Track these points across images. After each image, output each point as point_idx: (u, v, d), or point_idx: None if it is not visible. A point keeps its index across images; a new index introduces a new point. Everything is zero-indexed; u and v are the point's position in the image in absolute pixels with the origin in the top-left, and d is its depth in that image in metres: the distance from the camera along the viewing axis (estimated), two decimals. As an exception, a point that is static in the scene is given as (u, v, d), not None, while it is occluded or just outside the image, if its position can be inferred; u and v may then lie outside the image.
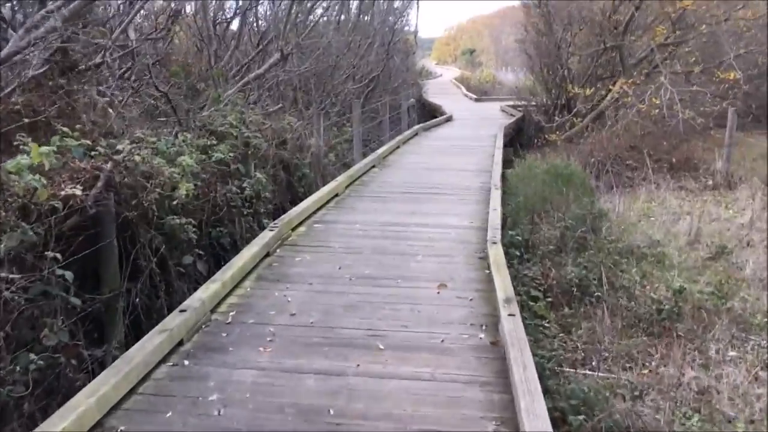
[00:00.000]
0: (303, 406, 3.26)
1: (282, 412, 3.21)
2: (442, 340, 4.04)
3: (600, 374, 5.09)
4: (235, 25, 13.56)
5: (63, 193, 3.93)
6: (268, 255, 5.74)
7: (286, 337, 4.11)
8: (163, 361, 3.73)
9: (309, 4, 14.73)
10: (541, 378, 3.46)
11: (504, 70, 45.15)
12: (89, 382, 3.37)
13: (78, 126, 4.78)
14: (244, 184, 6.73)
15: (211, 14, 13.06)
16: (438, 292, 4.91)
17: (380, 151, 11.63)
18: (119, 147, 4.70)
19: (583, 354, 5.43)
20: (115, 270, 4.68)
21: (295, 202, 8.11)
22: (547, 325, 5.87)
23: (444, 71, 51.74)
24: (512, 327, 3.82)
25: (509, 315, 4.03)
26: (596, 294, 6.28)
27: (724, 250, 7.67)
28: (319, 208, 7.54)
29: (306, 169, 8.64)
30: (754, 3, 14.56)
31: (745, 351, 5.57)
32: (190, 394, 3.38)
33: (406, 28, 24.84)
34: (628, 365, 5.35)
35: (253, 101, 10.81)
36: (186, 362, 3.76)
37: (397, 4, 22.24)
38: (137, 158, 4.76)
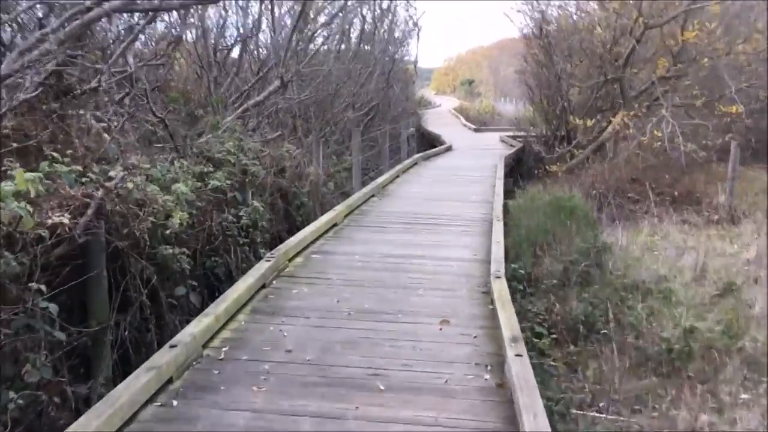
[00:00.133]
0: (298, 453, 3.06)
1: (275, 460, 3.00)
2: (446, 381, 3.84)
3: (609, 416, 4.88)
4: (235, 53, 13.54)
5: (50, 221, 3.75)
6: (264, 286, 5.54)
7: (282, 375, 3.90)
8: (151, 400, 3.51)
9: (309, 33, 14.69)
10: (550, 422, 3.25)
11: (503, 101, 45.30)
12: (73, 421, 3.16)
13: (69, 151, 4.60)
14: (241, 213, 6.55)
15: (212, 41, 13.01)
16: (440, 329, 4.71)
17: (380, 180, 11.49)
18: (111, 174, 4.53)
19: (591, 395, 5.21)
20: (104, 302, 4.49)
21: (292, 232, 7.94)
22: (552, 363, 5.66)
23: (443, 101, 51.94)
24: (520, 369, 3.62)
25: (516, 355, 3.82)
26: (603, 331, 6.07)
27: (732, 287, 7.48)
28: (317, 238, 7.35)
29: (304, 197, 8.48)
30: (756, 37, 14.55)
31: (758, 394, 5.35)
32: (177, 439, 3.17)
33: (406, 58, 24.89)
34: (637, 407, 5.13)
35: (252, 128, 10.69)
36: (175, 402, 3.54)
37: (397, 33, 22.31)
38: (130, 185, 4.58)
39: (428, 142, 22.71)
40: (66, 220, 3.79)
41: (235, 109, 10.43)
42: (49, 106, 5.55)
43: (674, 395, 5.21)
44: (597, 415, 4.87)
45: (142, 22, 8.96)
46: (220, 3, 13.59)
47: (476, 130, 28.71)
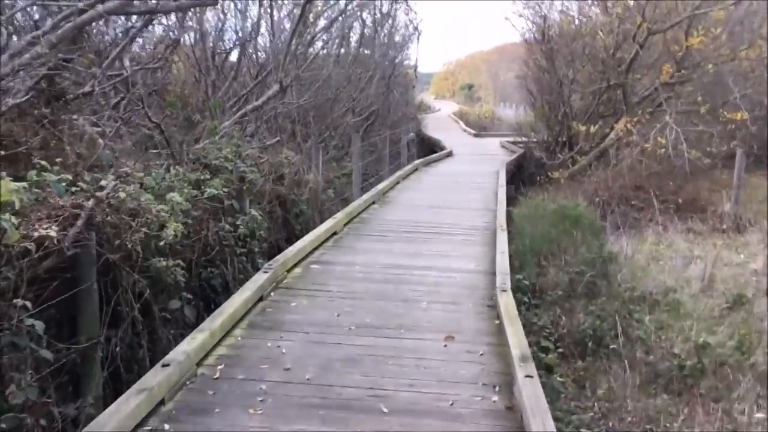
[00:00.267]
0: (297, 485, 2.86)
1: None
2: (452, 404, 3.65)
3: (620, 437, 4.69)
4: (234, 56, 13.37)
5: (36, 234, 3.56)
6: (261, 299, 5.35)
7: (279, 396, 3.71)
8: (141, 425, 3.32)
9: (309, 37, 14.52)
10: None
11: (502, 106, 45.15)
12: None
13: (58, 159, 4.41)
14: (238, 222, 6.36)
15: (210, 45, 12.85)
16: (445, 345, 4.53)
17: (380, 186, 11.31)
18: (103, 183, 4.34)
19: (601, 414, 5.02)
20: (94, 316, 4.29)
21: (291, 240, 7.75)
22: (559, 379, 5.47)
23: (442, 106, 51.80)
24: (531, 392, 3.43)
25: (526, 377, 3.64)
26: (612, 346, 5.88)
27: (743, 299, 7.30)
28: (316, 248, 7.16)
29: (303, 205, 8.29)
30: (759, 43, 14.40)
31: (773, 412, 5.17)
32: (168, 468, 2.98)
33: (406, 62, 24.72)
34: (648, 426, 4.94)
35: (250, 134, 10.51)
36: (166, 426, 3.35)
37: (397, 38, 22.15)
38: (122, 195, 4.39)
39: (428, 147, 22.54)
40: (53, 233, 3.60)
41: (233, 114, 10.25)
42: (41, 112, 5.37)
43: (687, 414, 5.02)
44: (608, 436, 4.68)
45: (138, 24, 8.82)
46: (219, 6, 13.44)
47: (476, 135, 28.54)
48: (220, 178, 6.52)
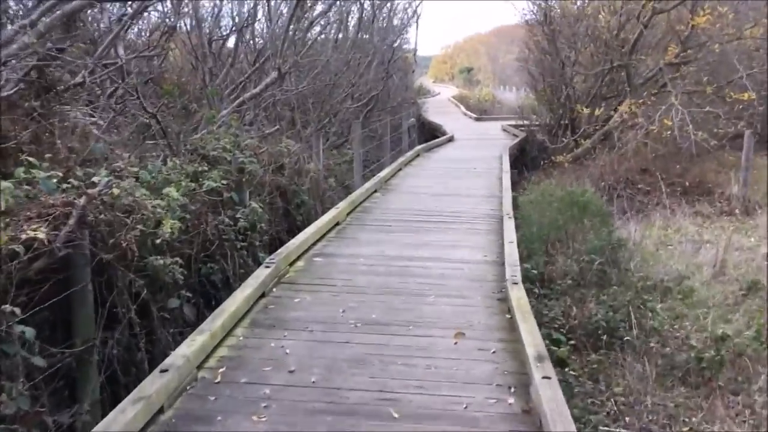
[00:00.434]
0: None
1: None
2: (466, 407, 3.47)
3: (638, 434, 4.52)
4: (231, 43, 13.12)
5: (24, 236, 3.37)
6: (263, 295, 5.17)
7: (284, 401, 3.53)
8: (139, 436, 3.15)
9: (307, 22, 14.25)
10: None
11: (502, 89, 44.81)
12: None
13: (48, 155, 4.21)
14: (238, 215, 6.16)
15: (207, 31, 12.60)
16: (455, 343, 4.34)
17: (382, 174, 11.10)
18: (95, 179, 4.14)
19: (617, 408, 4.85)
20: (89, 318, 4.10)
21: (292, 232, 7.56)
22: (572, 373, 5.30)
23: (442, 89, 51.37)
24: (551, 395, 3.25)
25: (544, 378, 3.45)
26: (626, 338, 5.70)
27: (757, 285, 7.11)
28: (319, 239, 6.98)
29: (304, 195, 8.08)
30: (765, 21, 14.12)
31: (794, 404, 5.00)
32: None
33: (405, 46, 24.42)
34: (665, 422, 4.77)
35: (248, 122, 10.30)
36: (166, 436, 3.18)
37: (396, 21, 21.86)
38: (116, 191, 4.20)
39: (429, 132, 22.29)
40: (42, 235, 3.41)
41: (230, 102, 10.03)
42: (31, 104, 5.17)
43: (706, 408, 4.85)
44: (625, 432, 4.52)
45: (132, 12, 8.58)
46: (215, -8, 13.19)
47: (477, 119, 28.25)
48: (218, 170, 6.33)
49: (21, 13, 7.77)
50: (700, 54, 14.01)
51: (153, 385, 3.38)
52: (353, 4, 17.99)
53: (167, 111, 8.05)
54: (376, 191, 10.04)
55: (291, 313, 4.86)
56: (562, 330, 5.96)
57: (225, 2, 13.61)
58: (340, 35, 17.61)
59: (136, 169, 4.79)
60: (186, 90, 10.36)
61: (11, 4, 8.40)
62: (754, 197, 11.88)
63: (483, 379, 3.79)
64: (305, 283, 5.59)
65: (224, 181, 6.10)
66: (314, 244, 6.80)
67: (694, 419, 4.75)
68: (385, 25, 20.30)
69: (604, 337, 5.73)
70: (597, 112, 15.26)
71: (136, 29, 11.54)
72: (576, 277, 7.08)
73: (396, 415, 3.37)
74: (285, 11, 13.63)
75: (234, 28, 12.94)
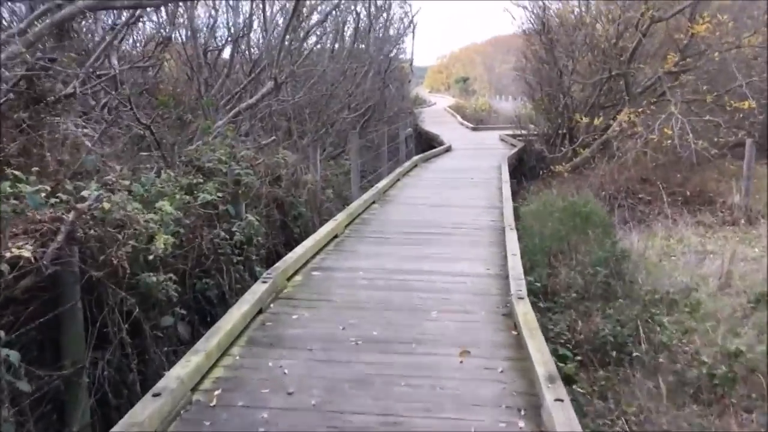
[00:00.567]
0: None
1: None
2: (474, 431, 3.30)
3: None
4: (226, 54, 13.00)
5: (9, 254, 3.20)
6: (260, 312, 4.99)
7: (283, 426, 3.35)
8: (130, 466, 2.97)
9: (303, 33, 14.14)
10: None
11: (498, 98, 44.77)
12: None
13: (36, 168, 4.04)
14: (234, 228, 5.99)
15: (202, 42, 12.47)
16: (461, 361, 4.17)
17: (380, 185, 10.94)
18: (85, 193, 3.98)
19: (627, 428, 4.68)
20: (79, 338, 3.94)
21: (289, 245, 7.40)
22: (580, 390, 5.13)
23: (437, 99, 51.32)
24: (564, 419, 3.09)
25: (556, 400, 3.28)
26: (635, 354, 5.53)
27: (765, 297, 6.96)
28: (317, 252, 6.80)
29: (302, 207, 7.92)
30: (763, 30, 14.05)
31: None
32: None
33: (402, 56, 24.33)
34: (678, 441, 4.60)
35: (244, 133, 10.16)
36: (158, 466, 3.00)
37: (392, 31, 21.77)
38: (107, 205, 4.03)
39: (426, 142, 22.17)
40: (27, 253, 3.24)
41: (226, 112, 9.89)
42: (20, 116, 5.00)
43: (719, 426, 4.68)
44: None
45: (126, 21, 8.44)
46: (209, 2, 13.08)
47: (474, 129, 28.15)
48: (214, 182, 6.17)
49: (14, 23, 7.65)
50: (699, 62, 13.90)
51: (145, 410, 3.21)
52: (349, 15, 17.93)
53: (162, 122, 7.90)
54: (374, 202, 9.88)
55: (289, 331, 4.69)
56: (568, 345, 5.79)
57: (220, 13, 13.44)
58: (337, 45, 17.51)
59: (128, 182, 4.62)
60: (181, 101, 10.23)
61: (4, 14, 8.29)
62: (756, 207, 11.74)
63: (491, 401, 3.62)
64: (304, 299, 5.42)
65: (220, 194, 5.95)
66: (312, 257, 6.63)
67: (707, 439, 4.58)
68: (381, 35, 20.21)
69: (613, 353, 5.56)
70: (596, 121, 15.13)
71: (130, 40, 11.44)
72: (580, 290, 6.92)
73: (401, 441, 3.20)
74: (281, 21, 13.54)
75: (229, 39, 12.82)
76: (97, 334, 4.02)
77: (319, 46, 16.50)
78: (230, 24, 13.18)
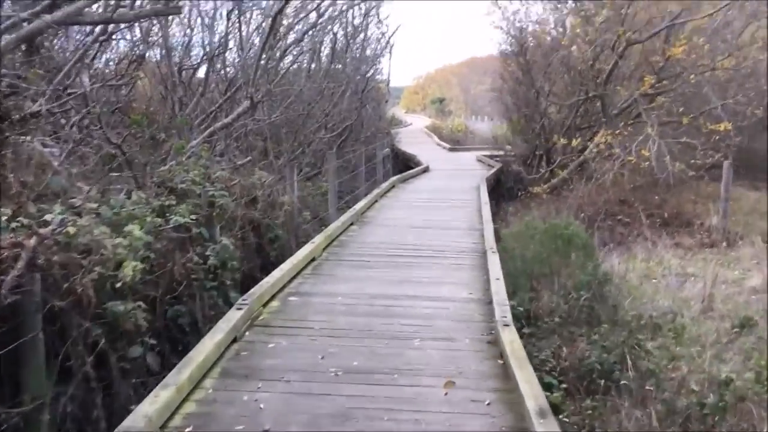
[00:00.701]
0: None
1: None
2: (462, 471, 3.11)
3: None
4: (202, 72, 12.80)
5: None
6: (235, 340, 4.76)
7: (259, 468, 3.13)
8: None
9: (279, 52, 13.99)
10: None
11: (474, 119, 44.96)
12: None
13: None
14: (208, 252, 5.76)
15: (177, 60, 12.28)
16: (446, 393, 3.98)
17: (358, 206, 10.75)
18: (48, 217, 3.74)
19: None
20: (40, 372, 3.69)
21: (265, 268, 7.17)
22: (567, 420, 4.96)
23: (414, 119, 51.40)
24: (559, 459, 2.91)
25: (549, 437, 3.11)
26: (622, 382, 5.38)
27: (750, 322, 6.87)
28: (294, 277, 6.58)
29: (278, 229, 7.71)
30: (739, 53, 14.21)
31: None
32: None
33: (378, 76, 24.29)
34: (669, 474, 4.44)
35: (219, 153, 9.93)
36: None
37: (368, 52, 21.72)
38: (71, 230, 3.80)
39: (403, 163, 22.05)
40: (-18, 282, 3.00)
41: (201, 132, 9.66)
42: (-18, 135, 4.76)
43: (709, 457, 4.54)
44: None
45: (98, 38, 8.23)
46: (185, 20, 12.90)
47: (451, 150, 28.11)
48: (187, 204, 5.94)
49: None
50: (675, 84, 13.99)
51: (109, 453, 2.97)
52: (326, 34, 17.85)
53: (134, 141, 7.67)
54: (352, 224, 9.69)
55: (265, 361, 4.46)
56: (553, 372, 5.63)
57: (195, 31, 13.27)
58: (313, 65, 17.40)
59: (95, 205, 4.38)
60: (155, 119, 10.01)
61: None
62: (734, 228, 11.77)
63: (479, 437, 3.43)
64: (280, 326, 5.20)
65: (193, 216, 5.72)
66: (289, 281, 6.40)
67: (699, 471, 4.43)
68: (358, 55, 20.14)
69: (600, 382, 5.40)
70: (574, 142, 15.13)
71: (104, 58, 11.21)
72: (564, 314, 6.77)
73: (385, 483, 2.99)
74: (257, 40, 13.37)
75: (205, 57, 12.64)
76: (59, 367, 3.77)
77: (295, 65, 16.38)
78: (206, 42, 13.04)
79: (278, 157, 12.24)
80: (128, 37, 11.42)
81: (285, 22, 14.03)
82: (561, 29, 17.47)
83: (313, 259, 7.32)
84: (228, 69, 13.47)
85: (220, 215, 6.19)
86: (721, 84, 15.01)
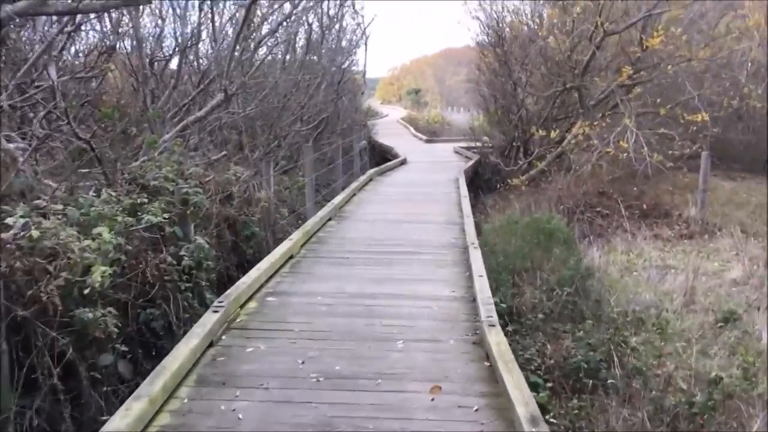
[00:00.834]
0: None
1: None
2: (452, 484, 2.97)
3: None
4: (174, 64, 12.48)
5: None
6: (211, 345, 4.58)
7: (238, 485, 2.97)
8: None
9: (254, 43, 13.70)
10: None
11: (450, 110, 44.88)
12: None
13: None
14: (182, 252, 5.55)
15: (148, 52, 11.95)
16: (432, 399, 3.84)
17: (336, 200, 10.57)
18: (10, 220, 3.53)
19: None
20: (4, 385, 3.48)
21: (242, 266, 6.99)
22: (553, 420, 4.85)
23: (390, 111, 51.19)
24: (555, 472, 2.78)
25: (543, 447, 2.98)
26: (609, 381, 5.28)
27: (733, 315, 6.82)
28: (272, 275, 6.39)
29: (255, 226, 7.50)
30: (714, 43, 14.20)
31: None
32: None
33: (354, 68, 24.05)
34: (659, 475, 4.35)
35: (193, 147, 9.68)
36: None
37: (344, 43, 21.46)
38: (35, 233, 3.58)
39: (380, 155, 21.88)
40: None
41: (174, 125, 9.40)
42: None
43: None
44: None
45: (64, 30, 7.96)
46: (156, 11, 12.58)
47: (428, 141, 27.99)
48: (159, 202, 5.72)
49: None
50: (653, 75, 13.95)
51: (77, 473, 2.78)
52: (301, 25, 17.55)
53: (105, 135, 7.42)
54: (330, 219, 9.51)
55: (243, 367, 4.29)
56: (538, 371, 5.52)
57: (167, 22, 12.93)
58: (288, 56, 17.10)
59: (60, 207, 4.16)
60: (126, 113, 9.74)
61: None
62: (712, 220, 11.78)
63: (468, 446, 3.30)
64: (258, 329, 5.02)
65: (166, 215, 5.50)
66: (267, 281, 6.22)
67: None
68: (334, 46, 19.88)
69: (589, 382, 5.29)
70: (552, 134, 15.06)
71: (73, 50, 10.89)
72: (547, 310, 6.67)
73: (372, 499, 2.84)
74: (230, 31, 13.07)
75: (177, 49, 12.31)
76: (25, 379, 3.56)
77: (270, 57, 16.08)
78: (178, 33, 12.69)
79: (254, 151, 12.00)
80: (98, 27, 11.13)
81: (259, 12, 13.74)
82: (538, 20, 17.35)
83: (291, 257, 7.13)
84: (201, 61, 13.17)
85: (194, 213, 5.97)
86: (696, 75, 15.01)
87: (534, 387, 5.20)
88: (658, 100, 13.92)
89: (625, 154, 12.64)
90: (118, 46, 11.30)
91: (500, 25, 17.50)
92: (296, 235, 7.64)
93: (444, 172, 15.99)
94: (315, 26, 18.15)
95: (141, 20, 11.85)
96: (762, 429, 4.67)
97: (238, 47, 11.30)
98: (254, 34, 13.78)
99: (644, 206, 12.60)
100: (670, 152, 13.07)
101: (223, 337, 4.78)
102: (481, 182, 16.82)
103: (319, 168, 13.53)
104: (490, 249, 7.97)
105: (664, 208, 12.59)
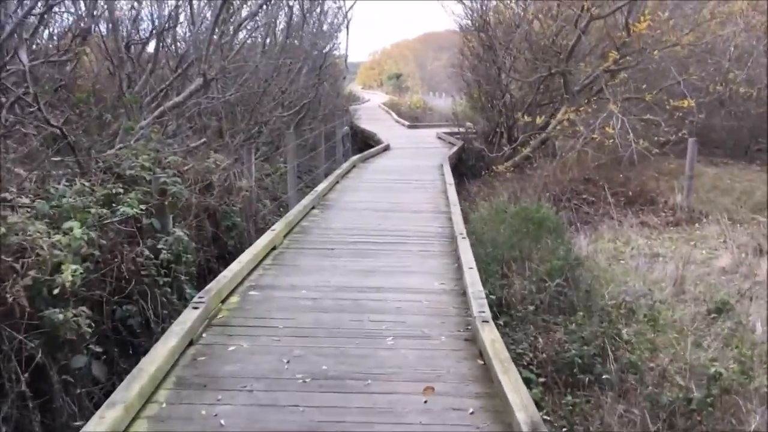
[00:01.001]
0: None
1: None
2: (450, 496, 2.79)
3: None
4: (151, 48, 12.12)
5: None
6: (191, 344, 4.35)
7: (221, 500, 2.76)
8: None
9: (233, 26, 13.36)
10: None
11: (432, 95, 44.64)
12: None
13: None
14: (160, 245, 5.31)
15: (124, 35, 11.58)
16: (425, 401, 3.65)
17: (319, 188, 10.32)
18: (-29, 215, 3.28)
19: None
20: (-33, 392, 3.25)
21: (223, 258, 6.77)
22: (547, 418, 4.70)
23: (371, 96, 50.85)
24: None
25: (546, 457, 2.81)
26: (604, 376, 5.14)
27: (726, 306, 6.71)
28: (254, 268, 6.16)
29: (236, 217, 7.26)
30: (699, 28, 14.08)
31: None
32: None
33: (336, 52, 23.68)
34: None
35: (171, 134, 9.39)
36: None
37: (325, 27, 21.11)
38: (1, 229, 3.34)
39: (362, 141, 21.63)
40: None
41: (151, 111, 9.09)
42: None
43: (699, 455, 4.33)
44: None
45: (35, 11, 7.65)
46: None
47: (410, 127, 27.73)
48: (136, 192, 5.47)
49: None
50: (640, 59, 13.79)
51: (45, 492, 2.56)
52: (282, 9, 17.18)
53: (79, 122, 7.13)
54: (314, 208, 9.27)
55: (225, 367, 4.07)
56: (531, 366, 5.36)
57: (144, 4, 12.55)
58: (269, 40, 16.74)
59: (28, 200, 3.90)
60: (102, 98, 9.43)
61: None
62: (698, 207, 11.70)
63: (465, 454, 3.12)
64: (240, 325, 4.80)
65: (143, 206, 5.26)
66: (249, 273, 5.98)
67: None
68: (315, 30, 19.53)
69: (586, 377, 5.14)
70: (537, 120, 14.89)
71: (46, 33, 10.53)
72: (537, 301, 6.52)
73: None
74: (209, 14, 12.72)
75: (154, 32, 11.95)
76: (-11, 385, 3.33)
77: (250, 40, 15.72)
78: (155, 16, 12.32)
79: (234, 138, 11.72)
80: (73, 10, 10.77)
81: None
82: (522, 4, 17.12)
83: (274, 248, 6.90)
84: (179, 44, 12.81)
85: (172, 204, 5.72)
86: (680, 60, 14.90)
87: (527, 383, 5.03)
88: (644, 86, 13.77)
89: (610, 140, 12.50)
90: (93, 28, 10.94)
91: (485, 8, 17.23)
92: (279, 226, 7.41)
93: (428, 159, 15.79)
94: (296, 9, 17.77)
95: (117, 2, 11.51)
96: (761, 425, 4.55)
97: (217, 30, 10.98)
98: (234, 17, 13.45)
99: (630, 193, 12.51)
100: (656, 138, 12.97)
101: (204, 335, 4.56)
102: (465, 168, 16.63)
103: (301, 155, 13.28)
104: (478, 238, 7.81)
105: (650, 195, 12.51)
